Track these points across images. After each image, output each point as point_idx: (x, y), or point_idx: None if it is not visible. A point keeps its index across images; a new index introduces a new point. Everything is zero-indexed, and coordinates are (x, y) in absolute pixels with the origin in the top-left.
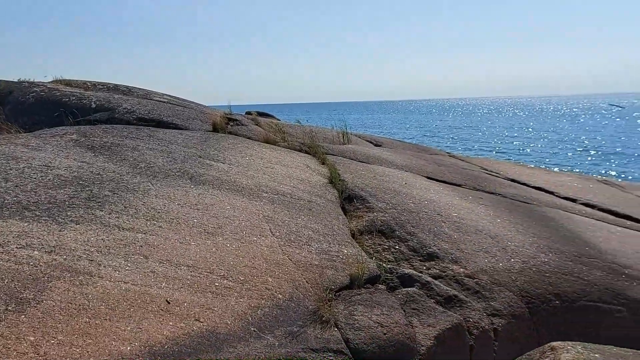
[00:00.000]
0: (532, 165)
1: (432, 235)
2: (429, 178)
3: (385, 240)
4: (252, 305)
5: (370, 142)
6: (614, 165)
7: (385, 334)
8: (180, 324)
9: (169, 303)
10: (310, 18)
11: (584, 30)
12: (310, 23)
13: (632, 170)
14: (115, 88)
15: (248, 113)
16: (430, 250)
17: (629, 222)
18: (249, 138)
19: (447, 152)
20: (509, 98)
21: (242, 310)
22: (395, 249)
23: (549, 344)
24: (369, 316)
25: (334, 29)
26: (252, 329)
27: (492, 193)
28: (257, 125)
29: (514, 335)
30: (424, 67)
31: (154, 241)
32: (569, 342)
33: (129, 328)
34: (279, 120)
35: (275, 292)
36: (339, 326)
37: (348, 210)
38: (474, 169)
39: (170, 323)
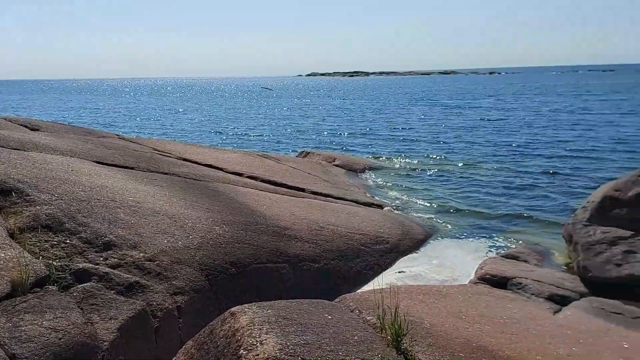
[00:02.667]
0: (200, 144)
1: (107, 223)
2: (99, 163)
3: (54, 235)
4: None
5: (25, 126)
6: (268, 142)
7: (60, 338)
8: None
9: None
10: None
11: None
12: None
13: (284, 146)
14: None
15: None
16: (107, 239)
17: (285, 189)
18: None
19: (116, 134)
20: (162, 78)
21: None
22: (67, 243)
23: (228, 311)
24: (40, 323)
25: None
26: None
27: (166, 173)
28: None
29: (197, 308)
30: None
31: None
32: (246, 305)
33: None
34: None
35: None
36: (2, 342)
37: (2, 207)
38: (146, 150)
39: None
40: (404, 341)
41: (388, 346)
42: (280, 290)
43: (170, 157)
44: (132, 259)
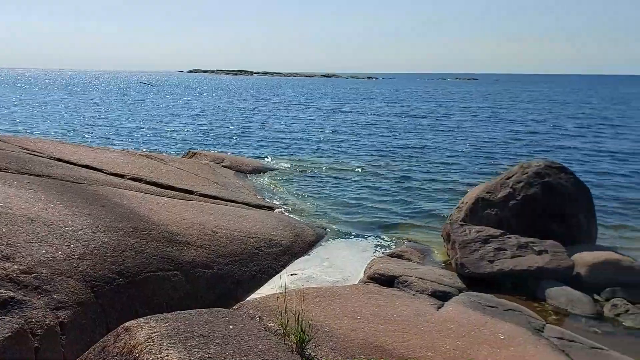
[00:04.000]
0: (75, 143)
1: None
2: None
3: None
4: None
5: None
6: (151, 140)
7: None
8: None
9: None
10: None
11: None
12: None
13: (171, 144)
14: None
15: None
16: None
17: (172, 192)
18: None
19: None
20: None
21: None
22: None
23: (122, 326)
24: None
25: None
26: None
27: (39, 175)
28: None
29: (82, 323)
30: None
31: None
32: (141, 319)
33: None
34: None
35: None
36: None
37: None
38: (14, 149)
39: None
40: (308, 347)
41: (293, 353)
42: (173, 299)
43: (42, 157)
44: (5, 272)
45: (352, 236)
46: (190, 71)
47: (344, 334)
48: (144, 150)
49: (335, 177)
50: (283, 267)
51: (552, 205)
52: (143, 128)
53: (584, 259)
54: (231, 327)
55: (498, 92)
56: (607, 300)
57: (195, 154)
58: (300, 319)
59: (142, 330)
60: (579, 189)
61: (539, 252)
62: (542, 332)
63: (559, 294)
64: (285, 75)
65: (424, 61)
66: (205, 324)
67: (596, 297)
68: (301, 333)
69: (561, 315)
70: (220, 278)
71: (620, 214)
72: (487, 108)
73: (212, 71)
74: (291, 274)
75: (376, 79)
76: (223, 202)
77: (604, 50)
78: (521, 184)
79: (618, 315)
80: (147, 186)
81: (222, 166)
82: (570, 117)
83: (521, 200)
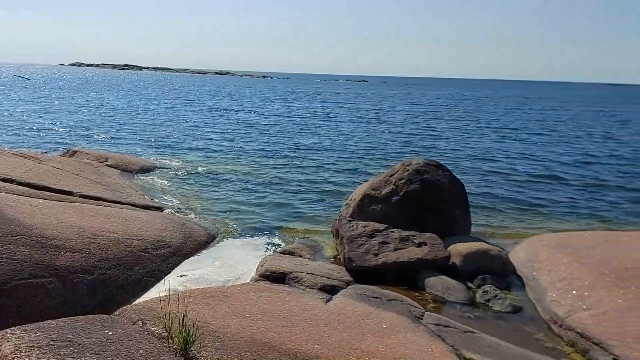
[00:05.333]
0: None
1: None
2: None
3: None
4: None
5: None
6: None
7: None
8: None
9: None
10: None
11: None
12: None
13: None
14: None
15: None
16: None
17: (48, 193)
18: None
19: None
20: None
21: None
22: None
23: None
24: None
25: None
26: None
27: None
28: None
29: None
30: None
31: None
32: (7, 330)
33: None
34: None
35: None
36: None
37: None
38: None
39: None
40: (192, 348)
41: (176, 355)
42: (48, 307)
43: None
44: None
45: (245, 235)
46: (72, 64)
47: (232, 333)
48: (17, 148)
49: (225, 177)
50: (172, 268)
51: (430, 200)
52: (15, 125)
53: (458, 249)
54: (110, 333)
55: (383, 94)
56: (479, 287)
57: (75, 152)
58: (184, 321)
59: (8, 342)
60: (454, 185)
61: (419, 245)
62: (422, 319)
63: (437, 283)
64: (177, 71)
65: (319, 62)
66: (81, 331)
67: (469, 284)
68: (185, 335)
69: (439, 302)
70: (102, 283)
71: (491, 208)
72: (370, 109)
73: (97, 65)
74: (180, 276)
75: (271, 78)
76: (107, 203)
77: (495, 57)
78: (403, 181)
79: (488, 300)
80: (20, 187)
81: (107, 165)
82: (444, 119)
83: (403, 196)
